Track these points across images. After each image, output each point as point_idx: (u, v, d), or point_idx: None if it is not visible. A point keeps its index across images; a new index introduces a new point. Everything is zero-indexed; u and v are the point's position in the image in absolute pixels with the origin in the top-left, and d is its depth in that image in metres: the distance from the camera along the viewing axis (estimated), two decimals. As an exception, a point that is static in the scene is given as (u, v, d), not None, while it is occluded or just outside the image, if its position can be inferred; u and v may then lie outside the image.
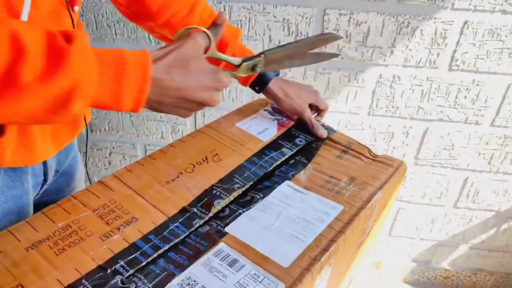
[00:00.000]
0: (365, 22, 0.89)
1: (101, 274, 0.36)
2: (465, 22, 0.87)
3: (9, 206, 0.45)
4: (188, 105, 0.39)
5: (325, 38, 0.50)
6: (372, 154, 0.55)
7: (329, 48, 0.93)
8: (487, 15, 0.86)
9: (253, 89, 0.58)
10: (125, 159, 1.14)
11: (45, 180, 0.51)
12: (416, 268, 1.26)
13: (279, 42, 0.91)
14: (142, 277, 0.37)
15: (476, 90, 0.95)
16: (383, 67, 0.94)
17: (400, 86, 0.96)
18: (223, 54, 0.44)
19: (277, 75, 0.59)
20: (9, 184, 0.44)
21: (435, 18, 0.87)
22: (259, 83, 0.57)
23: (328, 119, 1.02)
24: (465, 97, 0.96)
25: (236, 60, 0.45)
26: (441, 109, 0.99)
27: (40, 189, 0.52)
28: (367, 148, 0.55)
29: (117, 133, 1.08)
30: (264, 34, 0.92)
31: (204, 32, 0.41)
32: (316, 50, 0.49)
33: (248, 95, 1.01)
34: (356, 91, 0.98)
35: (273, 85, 0.57)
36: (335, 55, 0.53)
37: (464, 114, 0.99)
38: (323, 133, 0.58)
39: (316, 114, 0.63)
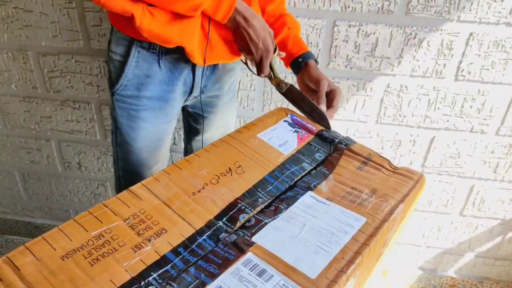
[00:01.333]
0: (374, 34, 0.90)
1: (136, 286, 0.37)
2: (471, 34, 0.89)
3: (161, 95, 0.71)
4: (254, 36, 0.63)
5: (323, 123, 0.67)
6: (392, 166, 0.55)
7: (339, 58, 0.94)
8: (492, 27, 0.88)
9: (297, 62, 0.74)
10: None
11: (190, 93, 0.74)
12: (422, 276, 1.27)
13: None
14: (175, 285, 0.37)
15: (481, 100, 0.97)
16: (391, 76, 0.96)
17: (407, 95, 0.98)
18: (274, 67, 0.70)
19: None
20: (166, 80, 0.70)
21: (441, 30, 0.89)
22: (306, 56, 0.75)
23: (337, 127, 1.03)
24: (471, 106, 0.98)
25: (276, 74, 0.71)
26: (447, 118, 1.00)
27: (186, 99, 0.76)
28: (387, 160, 0.56)
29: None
30: (275, 45, 0.93)
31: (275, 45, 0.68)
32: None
33: (259, 103, 1.03)
34: (364, 99, 0.99)
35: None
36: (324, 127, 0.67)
37: (469, 123, 1.00)
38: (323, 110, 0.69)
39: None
